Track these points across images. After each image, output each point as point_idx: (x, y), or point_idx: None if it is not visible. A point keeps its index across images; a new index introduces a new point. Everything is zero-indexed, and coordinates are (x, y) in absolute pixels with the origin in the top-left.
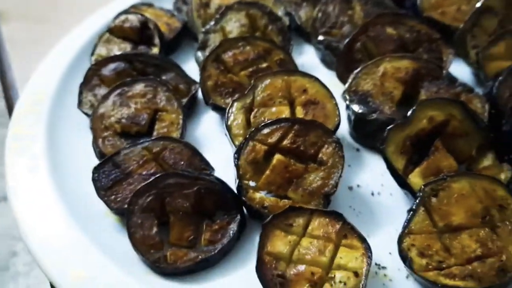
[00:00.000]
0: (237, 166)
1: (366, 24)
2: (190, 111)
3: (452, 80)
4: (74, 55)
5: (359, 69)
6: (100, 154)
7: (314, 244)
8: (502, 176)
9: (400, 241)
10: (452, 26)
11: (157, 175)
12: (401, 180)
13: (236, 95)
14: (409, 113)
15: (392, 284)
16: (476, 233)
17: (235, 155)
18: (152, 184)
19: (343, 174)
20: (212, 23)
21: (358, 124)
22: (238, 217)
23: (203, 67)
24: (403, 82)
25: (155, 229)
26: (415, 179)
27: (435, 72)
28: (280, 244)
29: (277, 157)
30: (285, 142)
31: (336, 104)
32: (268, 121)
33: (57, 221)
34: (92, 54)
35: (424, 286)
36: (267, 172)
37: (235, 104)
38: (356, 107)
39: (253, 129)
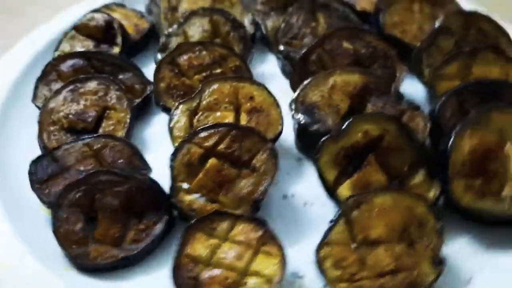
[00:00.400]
0: (171, 167)
1: (323, 37)
2: (142, 111)
3: (399, 96)
4: (39, 50)
5: (308, 80)
6: (44, 148)
7: (234, 249)
8: (431, 194)
9: (317, 251)
10: (411, 44)
11: (89, 172)
12: (330, 191)
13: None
14: (344, 125)
15: None
16: (392, 248)
17: (171, 156)
18: (83, 180)
19: (277, 182)
20: (175, 26)
21: (301, 134)
22: (165, 218)
23: (157, 68)
24: (351, 96)
25: (80, 225)
26: (344, 191)
27: (384, 87)
28: (200, 247)
29: (211, 161)
30: (221, 146)
31: (280, 113)
32: (207, 125)
33: None
34: (56, 49)
35: None
36: (200, 175)
37: (180, 106)
38: (299, 117)
39: (191, 131)
